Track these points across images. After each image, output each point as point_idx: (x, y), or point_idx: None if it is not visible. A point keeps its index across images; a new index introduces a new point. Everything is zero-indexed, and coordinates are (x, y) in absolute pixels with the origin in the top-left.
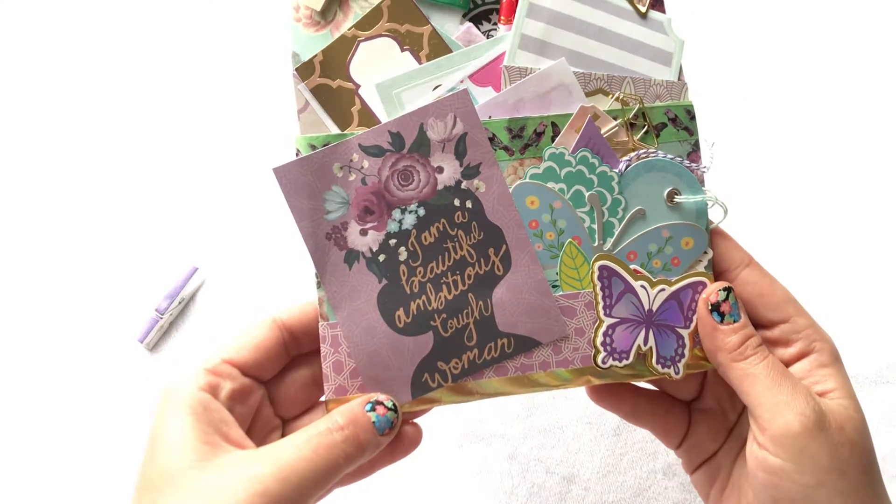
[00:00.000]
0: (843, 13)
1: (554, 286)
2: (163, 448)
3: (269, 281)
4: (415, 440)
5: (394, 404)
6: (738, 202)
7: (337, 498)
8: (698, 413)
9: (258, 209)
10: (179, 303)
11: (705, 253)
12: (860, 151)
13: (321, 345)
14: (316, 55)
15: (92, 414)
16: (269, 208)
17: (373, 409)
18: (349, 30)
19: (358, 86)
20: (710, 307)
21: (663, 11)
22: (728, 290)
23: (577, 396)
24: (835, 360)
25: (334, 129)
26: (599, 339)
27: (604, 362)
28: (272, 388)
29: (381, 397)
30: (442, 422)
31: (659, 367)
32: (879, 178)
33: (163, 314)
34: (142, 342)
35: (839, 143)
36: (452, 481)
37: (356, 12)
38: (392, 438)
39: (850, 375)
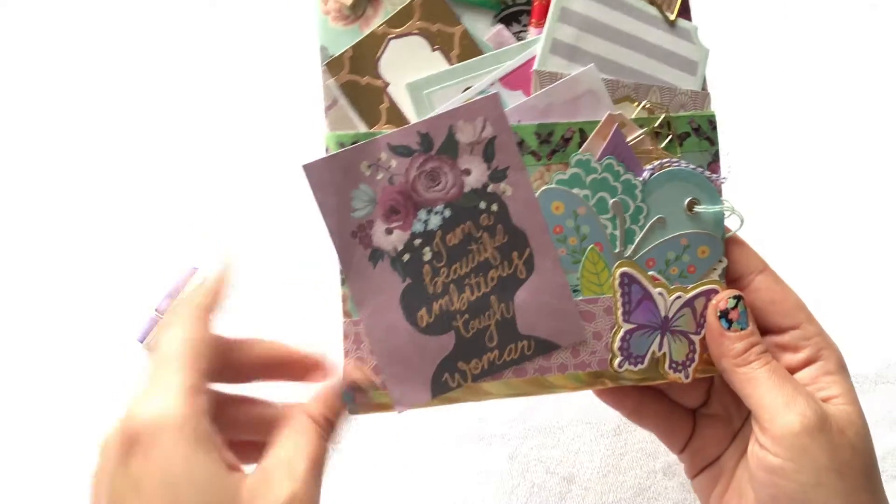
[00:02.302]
0: (860, 24)
1: (575, 291)
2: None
3: (269, 281)
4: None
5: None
6: (751, 202)
7: (335, 498)
8: (704, 418)
9: (258, 209)
10: None
11: (720, 261)
12: (871, 156)
13: (343, 341)
14: (346, 51)
15: (92, 414)
16: (269, 208)
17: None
18: (380, 27)
19: (387, 83)
20: (718, 314)
21: (689, 19)
22: (738, 298)
23: (577, 397)
24: (841, 368)
25: (362, 127)
26: (617, 344)
27: (620, 366)
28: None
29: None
30: (441, 421)
31: (671, 372)
32: (887, 179)
33: (163, 314)
34: (142, 342)
35: (850, 148)
36: (452, 481)
37: (387, 8)
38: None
39: (850, 374)
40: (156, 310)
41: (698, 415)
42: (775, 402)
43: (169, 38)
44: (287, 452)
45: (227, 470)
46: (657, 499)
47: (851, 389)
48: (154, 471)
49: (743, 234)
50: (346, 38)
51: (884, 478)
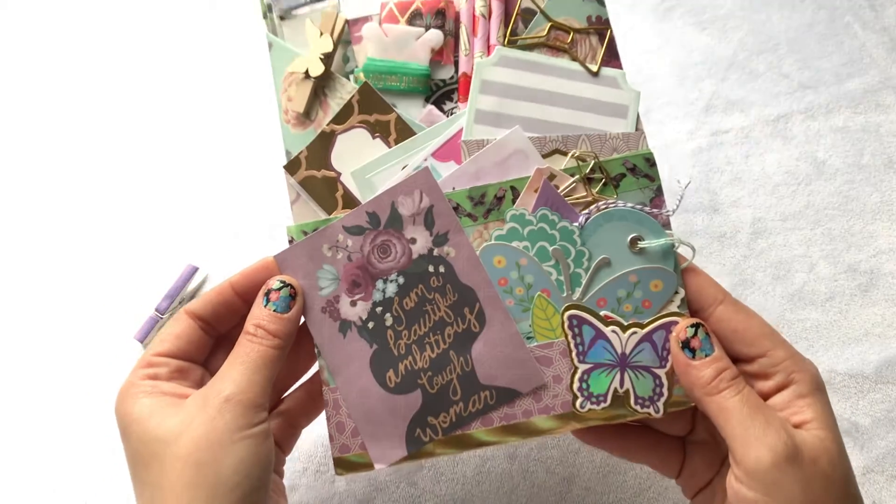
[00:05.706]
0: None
1: (529, 338)
2: (134, 427)
3: None
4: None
5: (282, 282)
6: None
7: (340, 498)
8: (692, 445)
9: (258, 208)
10: (179, 303)
11: (677, 293)
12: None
13: (325, 408)
14: (301, 151)
15: (91, 414)
16: (269, 208)
17: (268, 301)
18: (327, 125)
19: (339, 174)
20: (680, 344)
21: (619, 67)
22: (696, 325)
23: None
24: (814, 389)
25: (322, 215)
26: (575, 385)
27: (582, 406)
28: (212, 368)
29: (272, 283)
30: None
31: (638, 408)
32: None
33: (163, 314)
34: (142, 342)
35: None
36: (452, 481)
37: (334, 109)
38: (300, 311)
39: (850, 375)
40: (156, 310)
41: (687, 442)
42: (746, 434)
43: (170, 37)
44: (227, 371)
45: (176, 401)
46: (657, 499)
47: (826, 412)
48: (119, 426)
49: (703, 260)
50: (303, 141)
51: (884, 478)
